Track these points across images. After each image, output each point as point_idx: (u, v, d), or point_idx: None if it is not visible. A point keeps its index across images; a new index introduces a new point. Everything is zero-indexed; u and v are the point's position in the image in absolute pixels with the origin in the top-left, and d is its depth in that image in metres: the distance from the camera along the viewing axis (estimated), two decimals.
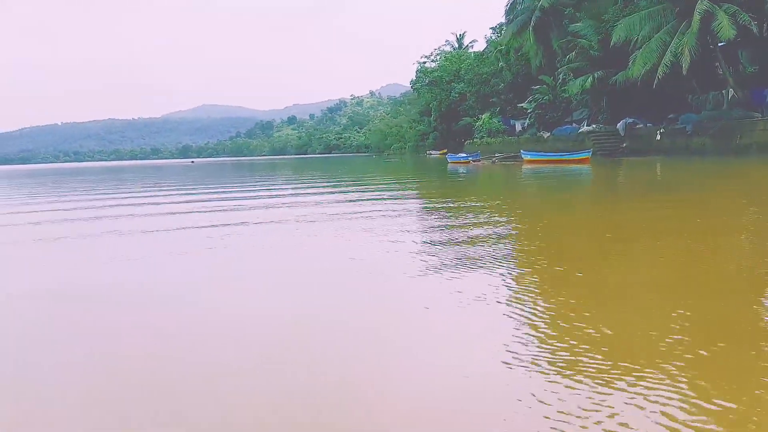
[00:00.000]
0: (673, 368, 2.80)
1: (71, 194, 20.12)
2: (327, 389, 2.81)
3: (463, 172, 26.11)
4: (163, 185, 24.98)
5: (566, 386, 2.66)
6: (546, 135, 42.21)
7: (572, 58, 37.79)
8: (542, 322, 3.64)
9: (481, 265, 5.34)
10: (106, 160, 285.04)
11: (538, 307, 3.94)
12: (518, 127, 51.87)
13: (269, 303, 4.51)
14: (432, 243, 6.74)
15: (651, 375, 2.73)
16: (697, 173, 18.79)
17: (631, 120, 33.40)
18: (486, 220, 8.57)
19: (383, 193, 15.76)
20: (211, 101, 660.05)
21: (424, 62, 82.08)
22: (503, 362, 2.99)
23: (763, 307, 3.87)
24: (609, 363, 2.91)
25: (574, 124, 41.06)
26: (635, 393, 2.55)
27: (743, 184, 14.20)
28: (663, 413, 2.37)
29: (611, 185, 16.68)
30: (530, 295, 4.30)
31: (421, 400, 2.64)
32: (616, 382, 2.68)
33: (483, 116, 56.21)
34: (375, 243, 6.85)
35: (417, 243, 6.81)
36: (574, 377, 2.76)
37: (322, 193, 16.42)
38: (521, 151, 34.11)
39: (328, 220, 9.33)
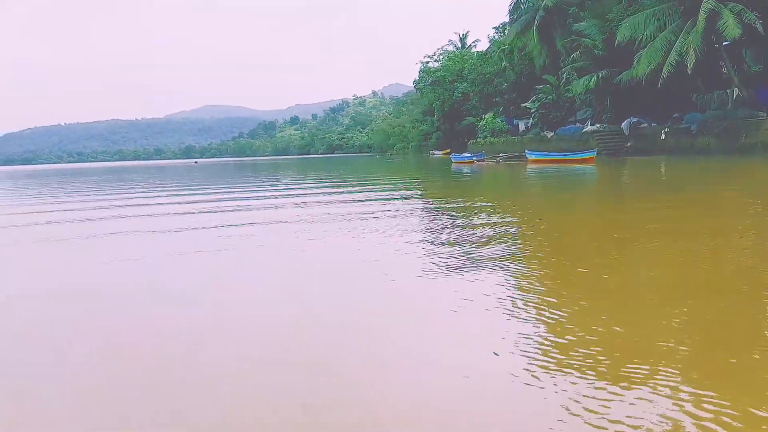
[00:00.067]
0: (678, 369, 2.78)
1: (75, 195, 20.17)
2: (327, 389, 2.79)
3: (467, 172, 26.07)
4: (168, 185, 25.04)
5: (567, 386, 2.64)
6: (549, 135, 42.12)
7: (576, 58, 37.68)
8: (543, 322, 3.61)
9: (487, 265, 5.31)
10: (109, 161, 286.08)
11: (541, 307, 3.91)
12: (521, 126, 51.74)
13: (271, 303, 4.50)
14: (439, 243, 6.67)
15: (653, 375, 2.71)
16: (701, 173, 18.71)
17: (635, 119, 33.31)
18: (494, 221, 8.53)
19: (390, 193, 15.71)
20: (214, 101, 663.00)
21: (427, 62, 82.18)
22: (503, 362, 2.97)
23: None
24: (611, 363, 2.89)
25: (577, 124, 40.96)
26: (637, 393, 2.53)
27: (749, 184, 14.12)
28: (664, 413, 2.34)
29: (616, 185, 16.62)
30: (532, 295, 4.27)
31: (421, 400, 2.63)
32: (617, 382, 2.66)
33: (486, 116, 56.12)
34: (387, 243, 6.80)
35: (425, 243, 6.78)
36: (575, 377, 2.74)
37: (329, 193, 16.39)
38: (526, 150, 34.03)
39: (336, 220, 9.26)
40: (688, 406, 2.40)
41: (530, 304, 4.00)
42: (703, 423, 2.27)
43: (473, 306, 4.01)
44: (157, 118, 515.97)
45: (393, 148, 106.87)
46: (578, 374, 2.77)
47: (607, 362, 2.90)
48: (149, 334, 3.81)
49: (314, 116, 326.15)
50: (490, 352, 3.13)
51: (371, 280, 5.10)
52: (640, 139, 32.02)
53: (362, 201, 13.09)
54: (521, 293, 4.31)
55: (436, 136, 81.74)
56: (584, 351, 3.06)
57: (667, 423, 2.28)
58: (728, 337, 3.26)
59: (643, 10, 30.84)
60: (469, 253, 5.89)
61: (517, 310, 3.86)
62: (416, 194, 15.41)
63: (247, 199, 15.55)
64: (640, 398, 2.48)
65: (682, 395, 2.50)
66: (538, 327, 3.51)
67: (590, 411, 2.40)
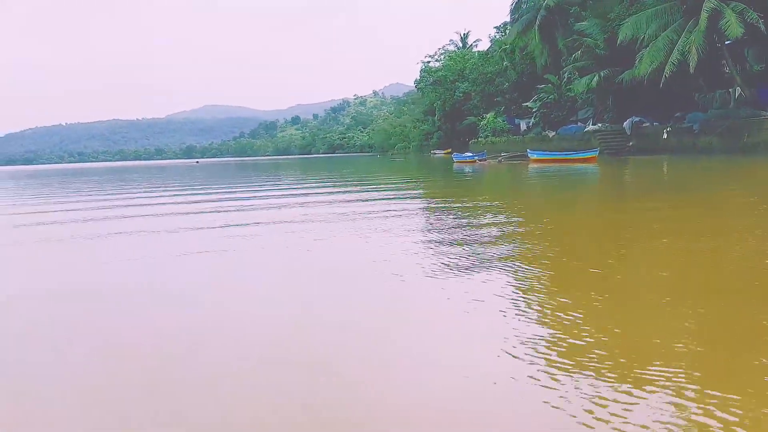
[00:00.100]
0: (681, 369, 2.76)
1: (76, 195, 20.20)
2: (327, 389, 2.78)
3: (469, 172, 26.04)
4: (169, 185, 25.05)
5: (568, 386, 2.63)
6: (551, 134, 42.11)
7: (578, 57, 37.66)
8: (544, 322, 3.60)
9: (497, 265, 5.27)
10: (110, 161, 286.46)
11: (541, 307, 3.90)
12: (523, 126, 51.74)
13: (272, 303, 4.49)
14: (447, 243, 6.60)
15: (654, 375, 2.69)
16: (704, 172, 18.68)
17: (637, 119, 33.28)
18: (500, 221, 8.49)
19: (393, 192, 15.67)
20: (214, 102, 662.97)
21: (428, 62, 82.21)
22: (504, 362, 2.96)
23: None
24: (611, 363, 2.87)
25: (579, 123, 40.94)
26: (638, 393, 2.52)
27: (751, 184, 14.09)
28: (664, 413, 2.33)
29: (619, 184, 16.59)
30: (534, 295, 4.26)
31: (421, 400, 2.62)
32: (619, 382, 2.64)
33: (487, 115, 56.09)
34: (394, 243, 6.75)
35: (432, 243, 6.72)
36: (576, 377, 2.72)
37: (332, 193, 16.36)
38: (528, 150, 34.00)
39: (341, 220, 9.21)
40: (692, 406, 2.38)
41: (534, 304, 3.99)
42: (702, 423, 2.26)
43: (474, 306, 4.00)
44: (158, 118, 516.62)
45: (394, 147, 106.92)
46: (578, 374, 2.76)
47: (608, 362, 2.89)
48: (149, 334, 3.81)
49: (315, 116, 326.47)
50: (491, 353, 3.12)
51: (381, 281, 5.03)
52: (642, 139, 31.98)
53: (366, 201, 13.07)
54: (528, 294, 4.29)
55: (438, 136, 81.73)
56: (585, 351, 3.05)
57: (667, 423, 2.26)
58: (728, 337, 3.25)
59: (644, 9, 30.81)
60: (479, 253, 5.85)
61: (522, 310, 3.84)
62: (420, 194, 15.39)
63: (250, 198, 15.53)
64: (641, 398, 2.47)
65: (685, 395, 2.48)
66: (540, 327, 3.49)
67: (592, 411, 2.39)
